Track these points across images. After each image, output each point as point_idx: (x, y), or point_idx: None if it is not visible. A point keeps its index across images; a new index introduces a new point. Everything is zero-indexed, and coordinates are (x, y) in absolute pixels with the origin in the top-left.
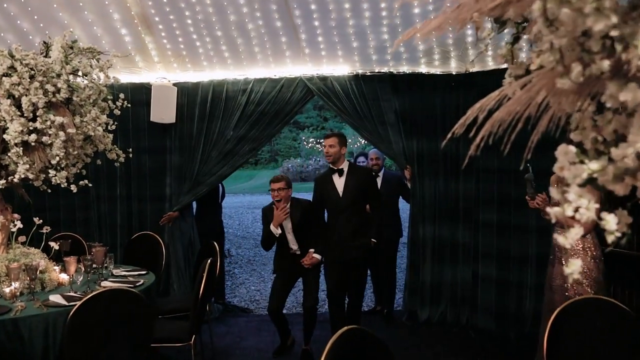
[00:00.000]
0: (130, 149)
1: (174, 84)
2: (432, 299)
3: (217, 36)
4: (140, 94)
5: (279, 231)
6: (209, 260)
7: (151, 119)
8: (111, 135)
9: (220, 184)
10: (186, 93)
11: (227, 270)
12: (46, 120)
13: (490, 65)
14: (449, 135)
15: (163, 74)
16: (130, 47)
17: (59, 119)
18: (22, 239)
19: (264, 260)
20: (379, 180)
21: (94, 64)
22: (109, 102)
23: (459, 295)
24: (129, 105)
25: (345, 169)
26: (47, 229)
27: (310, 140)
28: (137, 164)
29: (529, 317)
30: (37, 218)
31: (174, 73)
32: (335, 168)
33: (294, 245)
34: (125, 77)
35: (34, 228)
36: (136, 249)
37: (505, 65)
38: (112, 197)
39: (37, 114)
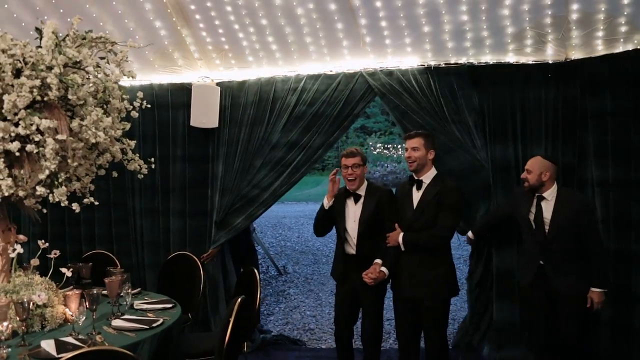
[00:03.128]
0: (153, 159)
1: (217, 84)
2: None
3: (261, 25)
4: (182, 96)
5: (329, 203)
6: (239, 300)
7: (191, 123)
8: (132, 143)
9: None
10: (230, 94)
11: (281, 291)
12: (31, 124)
13: (600, 49)
14: None
15: (205, 73)
16: (167, 42)
17: (45, 123)
18: (34, 262)
19: (323, 279)
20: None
21: (110, 57)
22: (125, 102)
23: None
24: (148, 105)
25: (427, 181)
26: (55, 253)
27: (378, 145)
28: (179, 174)
29: None
30: (42, 241)
31: (217, 71)
32: (416, 178)
33: (350, 243)
34: (166, 78)
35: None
36: (172, 271)
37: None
38: (150, 210)
39: (19, 116)
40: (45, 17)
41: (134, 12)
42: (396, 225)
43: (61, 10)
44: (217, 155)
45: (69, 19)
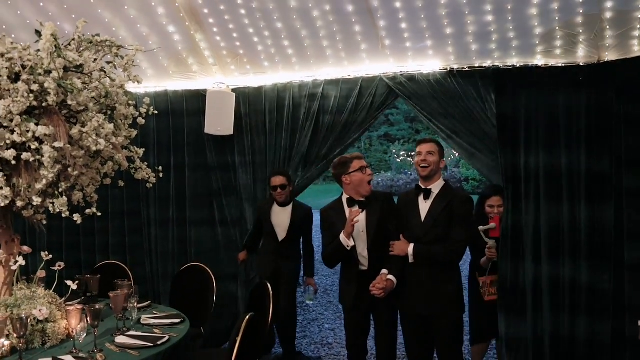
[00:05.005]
0: (161, 167)
1: (233, 90)
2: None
3: (277, 28)
4: (197, 102)
5: (352, 243)
6: (247, 318)
7: (205, 131)
8: (141, 151)
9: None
10: (247, 100)
11: (299, 302)
12: (27, 131)
13: (637, 50)
14: None
15: (221, 79)
16: (181, 47)
17: (41, 129)
18: (41, 274)
19: None
20: None
21: (117, 61)
22: (131, 108)
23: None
24: (155, 112)
25: (436, 191)
26: (59, 266)
27: (402, 153)
28: (193, 183)
29: None
30: (46, 253)
31: (233, 77)
32: (423, 187)
33: (362, 259)
34: (181, 84)
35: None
36: (184, 283)
37: None
38: (163, 220)
39: (14, 122)
40: (59, 23)
41: (146, 17)
42: (401, 235)
43: (73, 16)
44: (235, 163)
45: (76, 23)
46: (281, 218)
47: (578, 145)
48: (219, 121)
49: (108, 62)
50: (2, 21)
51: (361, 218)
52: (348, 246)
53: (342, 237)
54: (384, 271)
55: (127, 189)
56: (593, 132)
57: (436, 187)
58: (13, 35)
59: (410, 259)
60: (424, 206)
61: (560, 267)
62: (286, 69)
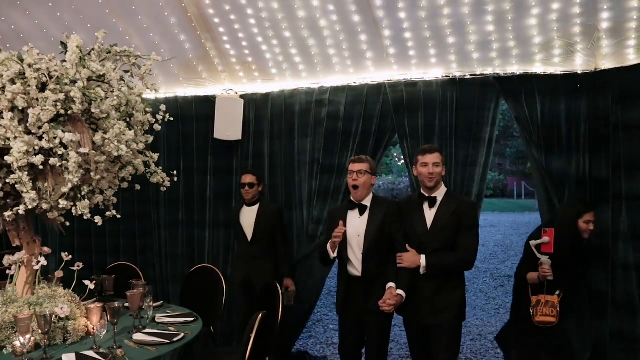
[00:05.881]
0: (175, 172)
1: (241, 96)
2: None
3: (285, 38)
4: (206, 108)
5: (334, 255)
6: (260, 316)
7: (215, 136)
8: (155, 156)
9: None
10: (254, 106)
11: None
12: (54, 138)
13: (632, 59)
14: None
15: (229, 86)
16: (191, 55)
17: (68, 136)
18: (58, 274)
19: None
20: None
21: (134, 71)
22: (148, 115)
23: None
24: (171, 119)
25: (440, 198)
26: (78, 266)
27: (402, 157)
28: (201, 186)
29: None
30: (66, 254)
31: (241, 84)
32: (427, 195)
33: (354, 262)
34: (190, 91)
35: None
36: (194, 284)
37: None
38: (173, 222)
39: (43, 129)
40: (74, 32)
41: (159, 26)
42: (407, 246)
43: (89, 25)
44: (240, 167)
45: (95, 34)
46: (248, 217)
47: (577, 151)
48: (229, 126)
49: (125, 71)
50: (20, 30)
51: (359, 222)
52: (331, 257)
53: (328, 246)
54: (392, 285)
55: (137, 193)
56: (590, 138)
57: (440, 194)
58: (30, 44)
59: (422, 271)
60: (430, 214)
61: None
62: (293, 76)
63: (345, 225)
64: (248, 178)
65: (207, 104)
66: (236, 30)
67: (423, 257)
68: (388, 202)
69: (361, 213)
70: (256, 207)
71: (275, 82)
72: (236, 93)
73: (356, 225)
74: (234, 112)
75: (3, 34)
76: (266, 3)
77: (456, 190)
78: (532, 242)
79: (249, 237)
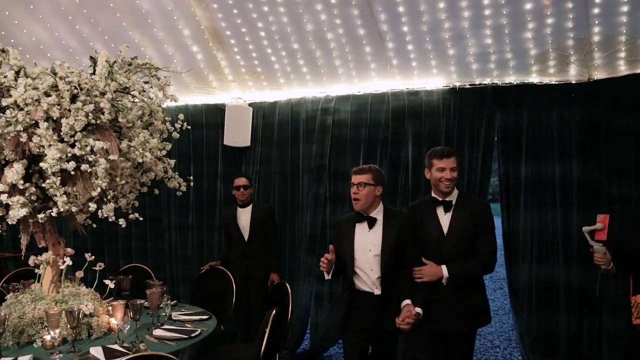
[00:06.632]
0: (191, 177)
1: (249, 104)
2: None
3: (293, 49)
4: (215, 116)
5: (329, 277)
6: (273, 312)
7: (224, 142)
8: (172, 162)
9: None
10: (262, 114)
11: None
12: (86, 146)
13: (623, 70)
14: None
15: (238, 94)
16: (203, 65)
17: (99, 144)
18: (79, 274)
19: None
20: None
21: (153, 82)
22: (167, 124)
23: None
24: (189, 127)
25: (454, 200)
26: (100, 266)
27: None
28: (211, 191)
29: None
30: (89, 254)
31: (249, 92)
32: (441, 199)
33: (362, 277)
34: (200, 99)
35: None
36: (205, 285)
37: None
38: (183, 226)
39: (75, 138)
40: (91, 43)
41: (173, 37)
42: (424, 259)
43: (106, 37)
44: (252, 173)
45: (112, 45)
46: (244, 218)
47: (570, 157)
48: (238, 133)
49: (145, 82)
50: (40, 41)
51: (368, 237)
52: (326, 278)
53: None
54: (408, 302)
55: (149, 197)
56: (584, 144)
57: (453, 197)
58: (49, 54)
59: (445, 282)
60: (445, 218)
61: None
62: (300, 85)
63: (352, 238)
64: (242, 181)
65: (217, 111)
66: (247, 42)
67: (444, 267)
68: (402, 216)
69: (370, 226)
70: (249, 207)
71: (282, 90)
72: (245, 101)
73: (365, 239)
74: (242, 120)
75: (24, 45)
76: (276, 17)
77: None
78: (585, 228)
79: (246, 236)
